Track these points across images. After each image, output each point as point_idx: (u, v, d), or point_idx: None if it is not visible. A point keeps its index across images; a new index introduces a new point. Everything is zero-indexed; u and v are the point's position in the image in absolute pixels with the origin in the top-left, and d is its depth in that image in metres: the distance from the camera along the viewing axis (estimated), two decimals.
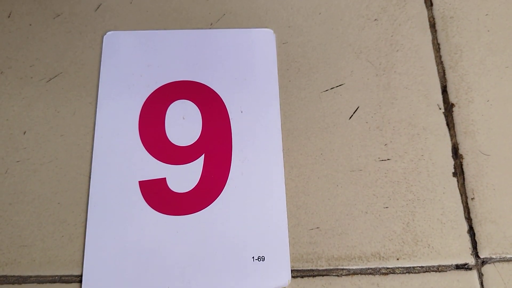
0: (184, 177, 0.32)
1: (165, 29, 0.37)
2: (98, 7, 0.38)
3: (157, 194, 0.31)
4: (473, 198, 0.32)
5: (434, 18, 0.38)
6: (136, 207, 0.31)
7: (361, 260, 0.30)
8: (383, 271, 0.30)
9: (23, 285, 0.30)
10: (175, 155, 0.33)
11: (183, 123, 0.34)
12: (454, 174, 0.33)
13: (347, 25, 0.37)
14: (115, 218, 0.31)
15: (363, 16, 0.37)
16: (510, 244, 0.31)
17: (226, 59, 0.36)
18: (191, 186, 0.32)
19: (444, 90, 0.35)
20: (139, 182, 0.32)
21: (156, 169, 0.32)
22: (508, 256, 0.31)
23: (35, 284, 0.30)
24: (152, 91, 0.35)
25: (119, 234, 0.30)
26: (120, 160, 0.32)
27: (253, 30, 0.37)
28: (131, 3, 0.38)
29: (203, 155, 0.33)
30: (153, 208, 0.31)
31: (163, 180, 0.32)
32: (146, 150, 0.33)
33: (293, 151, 0.33)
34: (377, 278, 0.30)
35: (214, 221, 0.31)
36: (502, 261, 0.31)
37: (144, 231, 0.31)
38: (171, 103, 0.34)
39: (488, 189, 0.32)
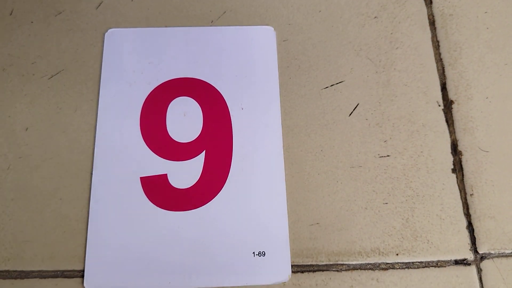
0: (185, 173, 0.32)
1: (166, 26, 0.37)
2: (99, 5, 0.38)
3: (158, 190, 0.32)
4: (472, 194, 0.32)
5: (433, 16, 0.38)
6: (138, 203, 0.31)
7: (361, 255, 0.31)
8: (383, 267, 0.31)
9: (25, 280, 0.30)
10: (176, 151, 0.33)
11: (184, 120, 0.34)
12: (453, 171, 0.33)
13: (347, 22, 0.37)
14: (117, 214, 0.31)
15: (363, 13, 0.38)
16: (509, 239, 0.31)
17: (226, 57, 0.36)
18: (192, 182, 0.32)
19: (444, 87, 0.35)
20: (141, 178, 0.32)
21: (157, 165, 0.32)
22: (507, 251, 0.31)
23: (37, 279, 0.30)
24: (153, 88, 0.35)
25: (121, 229, 0.31)
26: (121, 156, 0.33)
27: (253, 28, 0.37)
28: (132, 0, 0.38)
29: (204, 152, 0.33)
30: (154, 204, 0.31)
31: (164, 176, 0.32)
32: (148, 146, 0.33)
33: (293, 148, 0.33)
34: (376, 273, 0.30)
35: (215, 216, 0.31)
36: (500, 256, 0.31)
37: (146, 227, 0.31)
38: (172, 100, 0.34)
39: (487, 185, 0.32)
